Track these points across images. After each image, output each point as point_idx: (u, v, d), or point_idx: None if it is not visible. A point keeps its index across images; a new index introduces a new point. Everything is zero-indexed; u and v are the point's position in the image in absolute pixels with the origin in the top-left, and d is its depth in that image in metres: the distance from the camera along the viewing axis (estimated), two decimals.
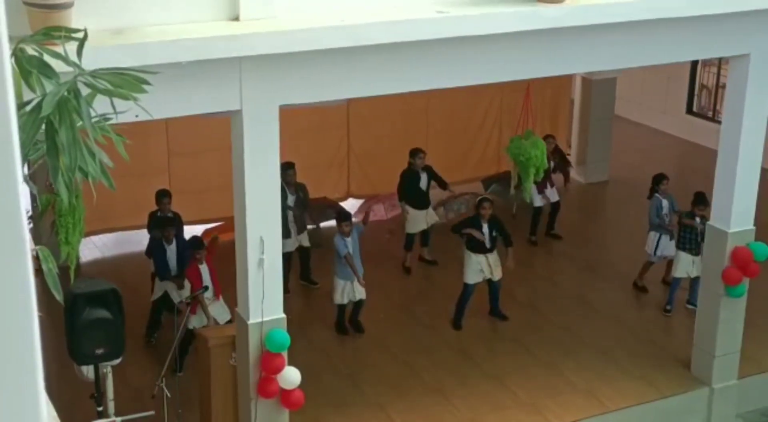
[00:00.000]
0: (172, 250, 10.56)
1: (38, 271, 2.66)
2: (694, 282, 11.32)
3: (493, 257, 11.09)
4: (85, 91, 2.98)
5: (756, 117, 9.41)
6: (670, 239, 11.65)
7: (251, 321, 8.05)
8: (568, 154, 15.59)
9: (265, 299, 7.97)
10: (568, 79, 15.00)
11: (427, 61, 7.88)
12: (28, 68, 2.99)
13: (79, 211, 6.48)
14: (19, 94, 2.95)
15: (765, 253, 9.79)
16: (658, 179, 11.90)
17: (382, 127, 13.76)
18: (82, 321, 7.55)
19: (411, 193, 12.36)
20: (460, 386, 10.13)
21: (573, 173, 15.54)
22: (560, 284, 12.46)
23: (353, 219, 11.19)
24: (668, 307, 11.66)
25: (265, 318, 8.03)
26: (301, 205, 11.83)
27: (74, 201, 6.08)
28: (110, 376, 8.16)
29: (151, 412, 8.36)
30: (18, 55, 3.15)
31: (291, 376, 8.22)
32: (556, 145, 13.43)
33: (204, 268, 9.96)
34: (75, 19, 6.28)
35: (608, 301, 11.96)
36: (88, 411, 8.17)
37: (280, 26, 7.17)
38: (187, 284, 10.13)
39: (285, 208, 11.10)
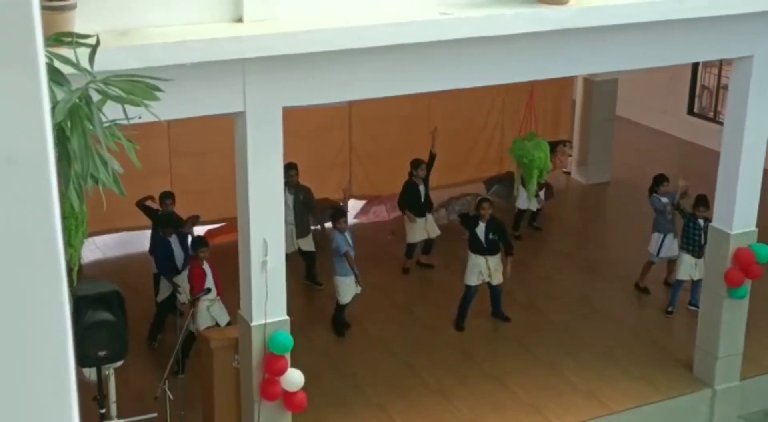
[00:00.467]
0: (175, 244, 10.52)
1: None
2: (696, 283, 11.31)
3: (493, 260, 11.05)
4: (95, 97, 2.96)
5: (759, 118, 9.40)
6: (673, 237, 11.64)
7: (254, 323, 8.04)
8: (569, 155, 15.59)
9: (268, 301, 7.96)
10: (570, 80, 14.98)
11: (431, 62, 7.87)
12: None
13: (82, 213, 6.46)
14: None
15: (767, 255, 9.78)
16: (659, 180, 11.89)
17: (384, 128, 13.74)
18: (84, 323, 7.52)
19: (411, 203, 12.39)
20: (461, 386, 10.12)
21: (575, 174, 15.55)
22: (561, 284, 12.45)
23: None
24: (670, 309, 11.65)
25: (268, 321, 8.02)
26: (301, 208, 11.81)
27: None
28: (112, 378, 8.14)
29: (154, 414, 8.35)
30: None
31: (294, 378, 8.21)
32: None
33: (207, 268, 9.91)
34: (78, 20, 6.27)
35: (609, 302, 11.94)
36: (91, 413, 8.14)
37: (284, 27, 7.16)
38: (186, 285, 10.10)
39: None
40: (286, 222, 11.60)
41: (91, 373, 8.03)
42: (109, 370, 8.07)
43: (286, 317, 8.15)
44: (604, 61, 8.90)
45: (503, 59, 8.18)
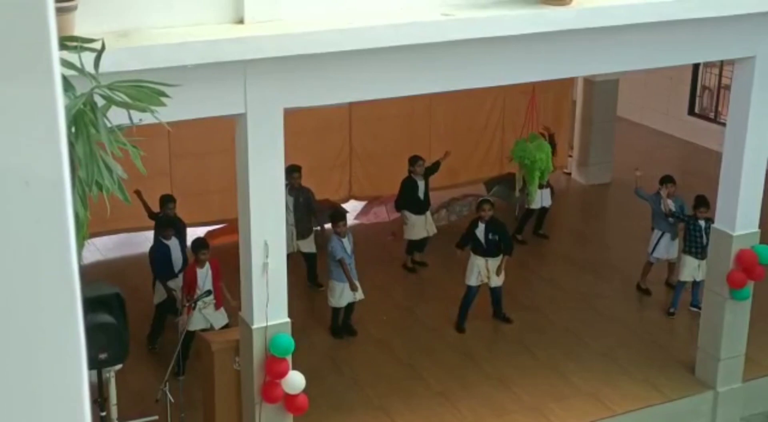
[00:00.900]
0: (175, 246, 10.46)
1: None
2: (697, 284, 11.29)
3: (493, 262, 11.01)
4: (100, 102, 2.92)
5: (761, 119, 9.37)
6: (672, 238, 11.59)
7: (255, 325, 8.00)
8: (570, 155, 15.57)
9: (269, 303, 7.92)
10: (570, 80, 14.95)
11: (433, 64, 7.84)
12: None
13: (84, 216, 6.43)
14: None
15: None
16: (662, 181, 11.83)
17: (385, 129, 13.72)
18: (84, 325, 7.48)
19: (410, 200, 12.36)
20: (463, 389, 10.09)
21: (575, 174, 15.52)
22: (562, 285, 12.42)
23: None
24: (672, 310, 11.62)
25: (269, 323, 7.98)
26: (302, 209, 11.78)
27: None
28: (113, 381, 8.11)
29: (155, 417, 8.32)
30: None
31: (295, 381, 8.18)
32: (551, 135, 13.25)
33: (203, 272, 9.81)
34: (79, 22, 6.24)
35: (611, 303, 11.92)
36: (92, 415, 8.10)
37: (286, 29, 7.13)
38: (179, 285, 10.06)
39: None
40: (287, 224, 11.62)
41: (91, 375, 8.01)
42: (110, 373, 8.03)
43: (288, 319, 8.12)
44: (607, 62, 8.87)
45: (505, 60, 8.15)
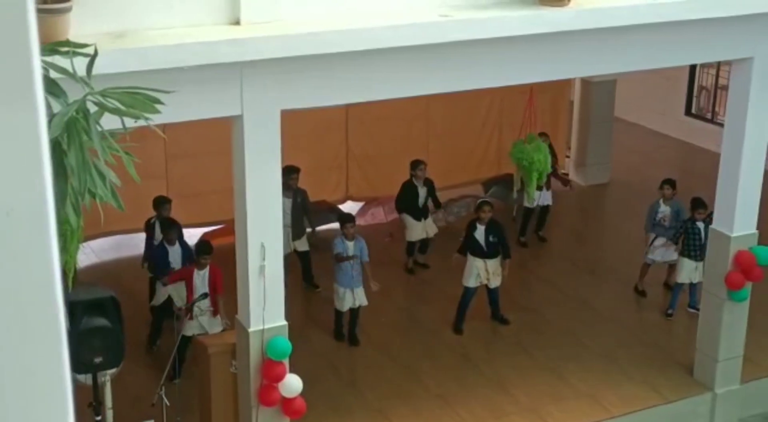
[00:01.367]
0: (175, 252, 10.39)
1: None
2: (694, 286, 11.27)
3: (492, 264, 10.96)
4: (93, 109, 2.87)
5: (759, 120, 9.35)
6: (669, 240, 11.55)
7: (252, 328, 7.95)
8: (567, 156, 15.53)
9: (266, 306, 7.88)
10: (568, 81, 14.91)
11: (431, 65, 7.80)
12: None
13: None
14: None
15: None
16: (661, 183, 11.80)
17: (382, 130, 13.67)
18: (80, 329, 7.45)
19: (409, 205, 12.32)
20: (462, 391, 10.05)
21: (573, 175, 15.48)
22: (561, 286, 12.38)
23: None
24: (670, 311, 11.59)
25: (266, 326, 7.94)
26: (298, 210, 11.74)
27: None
28: (108, 385, 8.07)
29: (151, 420, 8.26)
30: None
31: (292, 384, 8.13)
32: (549, 145, 13.25)
33: (200, 275, 9.74)
34: (75, 23, 6.19)
35: (609, 304, 11.88)
36: (87, 420, 8.06)
37: (283, 30, 7.08)
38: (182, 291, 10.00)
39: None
40: (283, 225, 11.59)
41: (86, 379, 7.95)
42: (105, 377, 7.98)
43: (285, 322, 8.07)
44: (605, 63, 8.83)
45: (504, 61, 8.11)
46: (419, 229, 12.42)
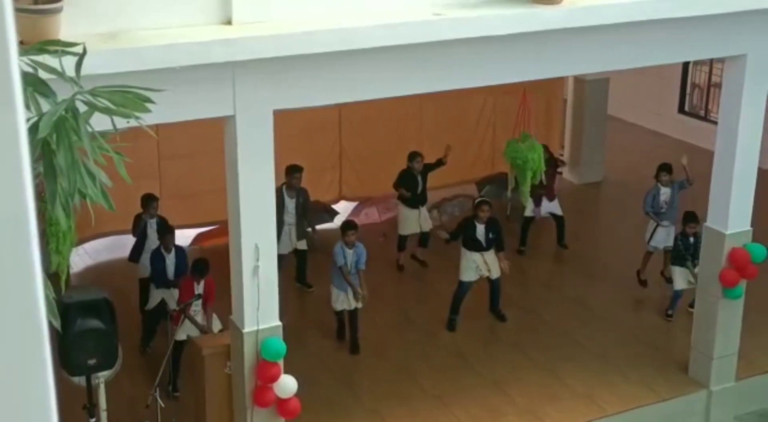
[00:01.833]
0: (171, 259, 10.33)
1: None
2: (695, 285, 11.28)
3: (489, 255, 11.00)
4: (82, 108, 2.84)
5: (752, 117, 9.34)
6: (669, 224, 11.58)
7: (246, 329, 7.93)
8: (561, 155, 15.50)
9: (260, 307, 7.85)
10: (561, 79, 14.90)
11: (424, 64, 7.78)
12: (22, 85, 2.82)
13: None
14: None
15: (762, 255, 9.73)
16: (659, 169, 11.85)
17: (375, 129, 13.65)
18: (74, 331, 7.41)
19: (407, 188, 12.27)
20: (458, 391, 10.02)
21: (566, 174, 15.46)
22: (556, 286, 12.38)
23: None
24: (670, 312, 11.56)
25: (260, 327, 7.91)
26: (300, 210, 11.73)
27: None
28: (102, 386, 8.03)
29: None
30: None
31: (287, 385, 8.10)
32: (549, 156, 13.23)
33: (199, 287, 9.69)
34: (66, 23, 6.16)
35: (605, 303, 11.87)
36: None
37: (275, 30, 7.05)
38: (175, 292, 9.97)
39: (281, 211, 11.00)
40: (286, 224, 11.59)
41: (80, 381, 7.92)
42: (99, 378, 7.95)
43: (279, 323, 8.05)
44: (598, 61, 8.82)
45: (497, 60, 8.09)
46: (413, 222, 12.38)
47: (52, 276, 6.37)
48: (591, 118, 15.31)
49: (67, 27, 6.17)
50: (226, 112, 7.30)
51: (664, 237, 11.77)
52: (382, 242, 13.01)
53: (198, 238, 12.95)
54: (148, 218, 10.88)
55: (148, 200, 10.89)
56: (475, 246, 10.96)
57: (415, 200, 12.34)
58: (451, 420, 9.62)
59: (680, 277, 11.24)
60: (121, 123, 3.13)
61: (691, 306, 11.36)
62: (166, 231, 10.44)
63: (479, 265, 10.97)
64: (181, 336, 9.52)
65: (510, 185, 12.70)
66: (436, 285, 12.15)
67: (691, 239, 11.01)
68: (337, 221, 12.78)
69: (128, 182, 3.23)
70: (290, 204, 11.61)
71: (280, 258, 10.53)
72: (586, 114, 15.28)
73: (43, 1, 5.81)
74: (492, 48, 7.91)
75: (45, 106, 2.77)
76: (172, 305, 9.95)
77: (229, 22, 7.06)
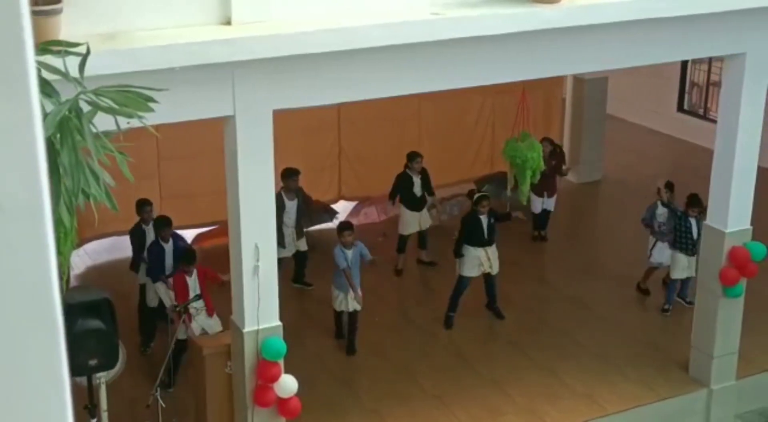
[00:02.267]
0: (169, 248, 10.38)
1: None
2: (688, 278, 11.29)
3: (492, 250, 11.03)
4: (86, 108, 2.84)
5: (752, 116, 9.35)
6: (668, 246, 11.51)
7: (246, 329, 7.93)
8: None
9: (260, 307, 7.85)
10: (560, 78, 14.90)
11: (423, 63, 7.78)
12: None
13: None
14: None
15: (762, 253, 9.74)
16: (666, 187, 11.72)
17: (374, 129, 13.64)
18: (75, 331, 7.41)
19: (405, 195, 12.29)
20: (458, 391, 10.02)
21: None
22: (555, 285, 12.38)
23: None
24: (666, 307, 11.58)
25: (260, 326, 7.91)
26: (301, 211, 11.74)
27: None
28: (103, 387, 8.03)
29: None
30: None
31: (288, 384, 8.11)
32: (553, 148, 13.27)
33: (192, 280, 9.72)
34: (65, 24, 6.16)
35: (604, 302, 11.87)
36: None
37: (274, 29, 7.05)
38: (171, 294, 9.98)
39: (282, 215, 10.99)
40: (288, 226, 11.59)
41: (81, 382, 7.92)
42: (100, 378, 7.95)
43: (279, 323, 8.05)
44: (597, 60, 8.83)
45: (496, 59, 8.10)
46: (414, 222, 12.38)
47: None
48: (590, 117, 15.31)
49: (66, 28, 6.17)
50: (225, 112, 7.31)
51: (663, 253, 11.66)
52: (381, 241, 13.01)
53: (198, 239, 12.94)
54: (144, 225, 10.90)
55: (142, 205, 10.91)
56: (478, 240, 10.96)
57: (415, 202, 12.32)
58: (450, 420, 9.62)
59: (679, 265, 11.23)
60: (124, 123, 3.14)
61: (680, 296, 11.40)
62: (163, 224, 10.48)
63: (482, 261, 11.00)
64: (183, 334, 9.54)
65: (509, 184, 12.72)
66: (434, 283, 12.15)
67: (692, 220, 10.95)
68: (337, 221, 12.77)
69: (131, 181, 3.23)
70: (291, 206, 11.62)
71: (282, 261, 10.58)
72: (585, 113, 15.28)
73: (44, 2, 5.81)
74: (490, 47, 7.91)
75: (48, 106, 2.77)
76: (167, 301, 9.98)
77: (228, 23, 7.07)
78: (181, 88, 6.80)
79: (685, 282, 11.43)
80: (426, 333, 11.15)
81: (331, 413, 9.60)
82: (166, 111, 6.89)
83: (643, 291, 12.03)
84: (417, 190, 12.33)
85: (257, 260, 7.74)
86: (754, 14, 8.89)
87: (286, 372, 8.14)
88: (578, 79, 15.07)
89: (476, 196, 11.37)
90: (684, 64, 17.14)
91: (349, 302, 10.55)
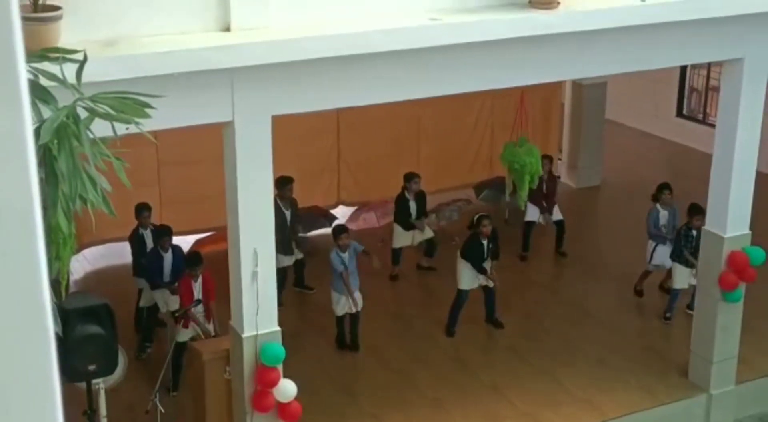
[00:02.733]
0: (168, 258, 10.38)
1: None
2: (693, 286, 11.25)
3: (488, 264, 11.00)
4: (83, 115, 2.85)
5: (750, 120, 9.36)
6: (667, 246, 11.51)
7: (245, 334, 7.93)
8: (559, 159, 15.52)
9: (259, 312, 7.86)
10: (559, 83, 14.92)
11: (421, 68, 7.80)
12: None
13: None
14: None
15: (761, 258, 9.74)
16: (661, 188, 11.74)
17: (373, 134, 13.65)
18: (74, 337, 7.41)
19: (399, 217, 12.34)
20: (458, 396, 10.02)
21: (565, 178, 15.49)
22: (554, 290, 12.38)
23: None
24: (668, 315, 11.55)
25: (259, 332, 7.92)
26: (295, 219, 11.76)
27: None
28: (102, 392, 8.03)
29: None
30: None
31: (287, 389, 8.11)
32: (551, 169, 13.21)
33: (197, 285, 9.73)
34: (65, 31, 6.17)
35: (604, 307, 11.87)
36: None
37: (273, 36, 7.07)
38: (172, 299, 9.99)
39: (282, 223, 10.97)
40: (285, 235, 11.57)
41: (80, 387, 7.92)
42: (99, 384, 7.95)
43: (278, 328, 8.06)
44: (596, 65, 8.84)
45: (494, 64, 8.11)
46: (407, 238, 12.41)
47: (52, 283, 6.38)
48: (589, 121, 15.32)
49: (65, 35, 6.18)
50: (224, 117, 7.32)
51: (664, 256, 11.65)
52: (381, 246, 13.01)
53: (197, 244, 12.94)
54: (143, 229, 10.91)
55: (141, 210, 10.91)
56: (478, 265, 10.91)
57: (409, 224, 12.31)
58: None
59: (681, 276, 11.22)
60: (121, 129, 3.15)
61: (690, 307, 11.36)
62: (163, 233, 10.49)
63: (479, 275, 10.97)
64: (183, 338, 9.54)
65: (508, 189, 12.71)
66: (433, 289, 12.15)
67: (694, 232, 10.91)
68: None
69: (128, 186, 3.24)
70: (288, 214, 11.62)
71: (283, 271, 10.62)
72: (583, 118, 15.30)
73: (43, 9, 5.82)
74: (489, 52, 7.92)
75: (46, 112, 2.78)
76: (162, 307, 10.00)
77: (227, 29, 7.09)
78: (181, 93, 6.82)
79: (694, 291, 11.30)
80: (426, 338, 11.15)
81: (331, 418, 9.60)
82: (165, 116, 6.91)
83: (638, 293, 12.03)
84: (413, 213, 12.32)
85: (256, 265, 7.74)
86: (752, 19, 8.91)
87: (286, 376, 8.14)
88: (577, 84, 15.09)
89: (476, 217, 11.22)
90: (683, 68, 17.16)
91: (351, 303, 10.57)
